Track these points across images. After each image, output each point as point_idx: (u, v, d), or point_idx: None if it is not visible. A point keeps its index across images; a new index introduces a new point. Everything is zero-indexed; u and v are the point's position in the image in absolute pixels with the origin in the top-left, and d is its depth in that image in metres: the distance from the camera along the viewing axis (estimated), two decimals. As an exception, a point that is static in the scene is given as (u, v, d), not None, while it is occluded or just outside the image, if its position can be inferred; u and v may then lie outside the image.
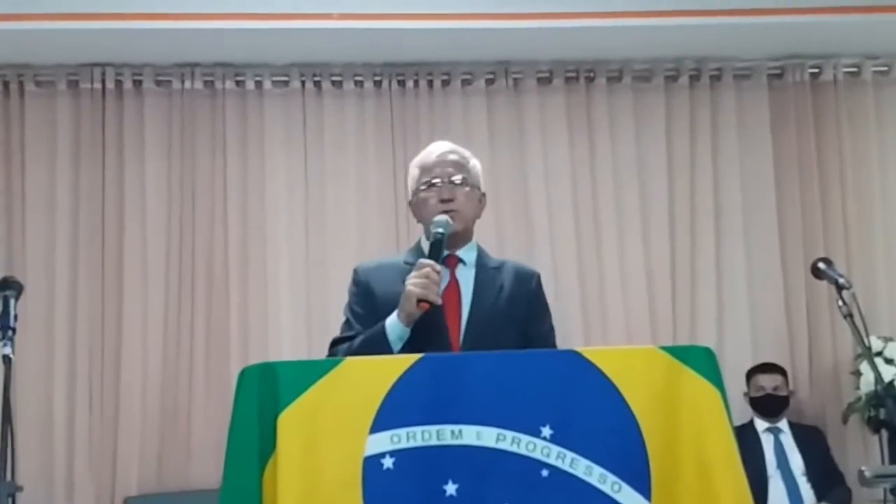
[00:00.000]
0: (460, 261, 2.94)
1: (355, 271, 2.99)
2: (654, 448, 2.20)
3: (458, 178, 2.92)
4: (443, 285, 2.85)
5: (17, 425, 3.27)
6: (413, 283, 2.68)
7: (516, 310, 2.87)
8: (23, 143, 5.52)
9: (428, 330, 2.72)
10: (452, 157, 2.97)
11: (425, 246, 2.89)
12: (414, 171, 3.01)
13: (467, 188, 2.93)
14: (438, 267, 2.72)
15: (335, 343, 2.87)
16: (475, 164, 3.03)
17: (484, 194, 3.04)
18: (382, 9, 5.26)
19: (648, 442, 2.20)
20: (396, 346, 2.70)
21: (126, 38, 5.25)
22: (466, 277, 2.91)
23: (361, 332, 2.80)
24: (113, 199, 5.52)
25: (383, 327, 2.73)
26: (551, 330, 3.00)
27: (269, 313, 5.49)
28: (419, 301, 2.66)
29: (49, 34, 5.17)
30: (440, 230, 2.80)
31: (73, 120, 5.57)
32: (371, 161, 5.68)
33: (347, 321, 2.91)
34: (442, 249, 2.79)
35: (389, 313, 2.74)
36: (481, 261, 2.97)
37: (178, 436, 5.36)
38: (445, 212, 2.86)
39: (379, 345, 2.69)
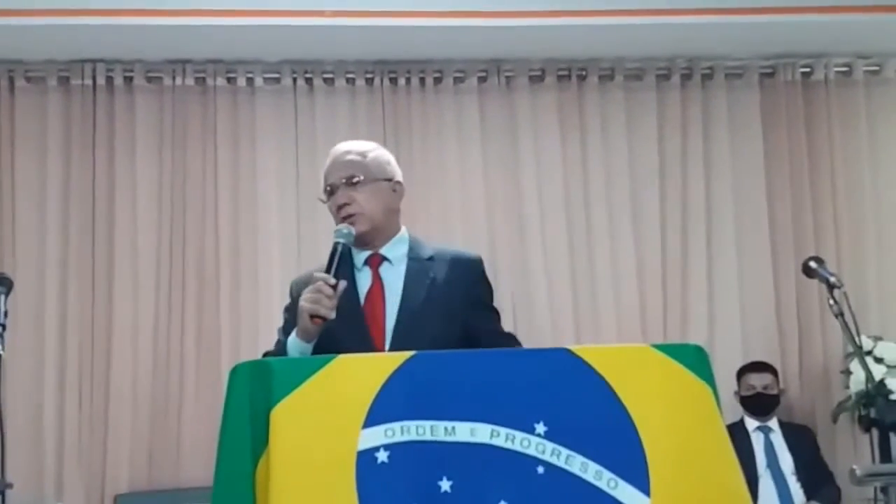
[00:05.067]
0: (384, 259, 2.83)
1: (290, 286, 2.91)
2: (651, 445, 2.19)
3: (352, 178, 2.80)
4: (365, 287, 2.79)
5: (7, 422, 3.27)
6: (305, 297, 2.60)
7: (451, 299, 2.76)
8: (13, 139, 5.51)
9: (349, 335, 2.64)
10: (346, 157, 2.85)
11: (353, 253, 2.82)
12: (321, 182, 2.91)
13: (365, 185, 2.80)
14: (332, 280, 2.62)
15: (265, 356, 2.77)
16: (376, 155, 2.87)
17: (398, 182, 2.89)
18: (375, 6, 5.25)
19: (644, 439, 2.19)
20: None
21: (117, 34, 5.24)
22: (394, 274, 2.81)
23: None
24: (104, 195, 5.51)
25: (284, 345, 2.67)
26: (497, 320, 2.89)
27: (259, 311, 5.48)
28: (312, 317, 2.58)
29: (40, 30, 5.15)
30: (340, 240, 2.70)
31: (63, 116, 5.55)
32: (362, 158, 5.67)
33: (278, 339, 2.83)
34: (340, 260, 2.68)
35: None
36: (413, 253, 2.84)
37: (168, 433, 5.35)
38: (345, 217, 2.77)
39: None
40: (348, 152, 2.86)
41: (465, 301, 2.79)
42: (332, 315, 2.59)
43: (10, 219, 5.44)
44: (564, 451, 2.17)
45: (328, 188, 2.85)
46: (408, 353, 2.23)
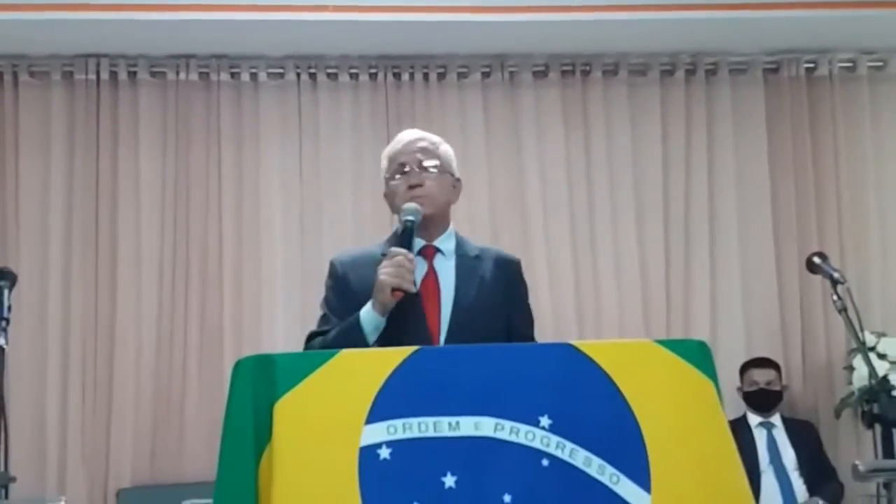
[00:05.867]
0: (438, 251, 2.88)
1: (332, 264, 2.92)
2: (652, 440, 2.19)
3: (427, 164, 2.86)
4: (420, 275, 2.80)
5: (10, 416, 3.27)
6: (386, 271, 2.64)
7: (498, 297, 2.84)
8: (17, 134, 5.51)
9: (406, 321, 2.68)
10: (421, 143, 2.90)
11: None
12: (384, 163, 2.95)
13: (437, 174, 2.86)
14: (411, 255, 2.68)
15: (311, 337, 2.82)
16: (446, 149, 2.95)
17: (458, 180, 2.97)
18: (378, 1, 5.25)
19: (646, 434, 2.19)
20: (371, 337, 2.66)
21: (121, 28, 5.24)
22: (446, 268, 2.85)
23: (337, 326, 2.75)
24: (107, 190, 5.51)
25: (358, 319, 2.68)
26: (531, 324, 2.98)
27: (262, 306, 5.49)
28: (393, 290, 2.62)
29: (44, 24, 5.15)
30: (410, 218, 2.75)
31: (67, 111, 5.55)
32: (366, 154, 5.67)
33: (324, 315, 2.85)
34: (412, 237, 2.73)
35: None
36: (461, 250, 2.90)
37: (171, 428, 5.36)
38: (414, 198, 2.80)
39: (354, 337, 2.64)
40: (423, 139, 2.93)
41: (507, 299, 2.87)
42: (414, 289, 2.66)
43: (14, 213, 5.44)
44: (569, 445, 2.17)
45: (399, 166, 2.88)
46: (411, 349, 2.23)
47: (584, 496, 2.14)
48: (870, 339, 5.23)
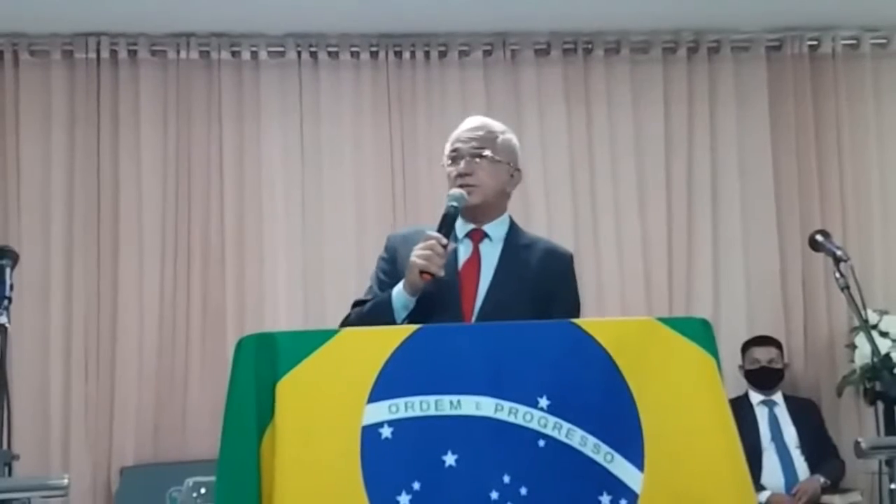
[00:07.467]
0: (486, 236, 2.95)
1: (387, 239, 3.04)
2: (648, 419, 2.21)
3: (479, 152, 2.92)
4: (463, 259, 2.90)
5: (13, 394, 3.28)
6: (417, 254, 2.72)
7: (541, 289, 2.87)
8: (17, 113, 5.49)
9: (442, 302, 2.76)
10: (478, 132, 2.97)
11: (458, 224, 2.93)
12: (446, 147, 3.02)
13: (489, 162, 2.92)
14: (444, 240, 2.74)
15: (355, 305, 2.93)
16: (507, 138, 3.02)
17: (518, 170, 3.03)
18: (379, -21, 5.23)
19: (642, 413, 2.21)
20: (400, 314, 2.75)
21: (121, 7, 5.22)
22: (491, 253, 2.93)
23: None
24: (108, 169, 5.50)
25: (389, 296, 2.78)
26: (572, 311, 2.95)
27: (265, 284, 5.49)
28: (422, 272, 2.69)
29: (44, 3, 5.13)
30: (453, 204, 2.83)
31: (67, 90, 5.53)
32: (367, 132, 5.67)
33: (371, 286, 2.97)
34: (453, 223, 2.82)
35: None
36: (512, 237, 2.97)
37: (174, 406, 5.37)
38: (462, 186, 2.88)
39: (384, 312, 2.75)
40: (482, 127, 3.00)
41: (549, 293, 2.88)
42: (442, 273, 2.73)
43: (16, 192, 5.43)
44: (566, 425, 2.18)
45: (453, 152, 2.96)
46: (412, 327, 2.24)
47: (578, 475, 2.16)
48: (872, 317, 5.23)
